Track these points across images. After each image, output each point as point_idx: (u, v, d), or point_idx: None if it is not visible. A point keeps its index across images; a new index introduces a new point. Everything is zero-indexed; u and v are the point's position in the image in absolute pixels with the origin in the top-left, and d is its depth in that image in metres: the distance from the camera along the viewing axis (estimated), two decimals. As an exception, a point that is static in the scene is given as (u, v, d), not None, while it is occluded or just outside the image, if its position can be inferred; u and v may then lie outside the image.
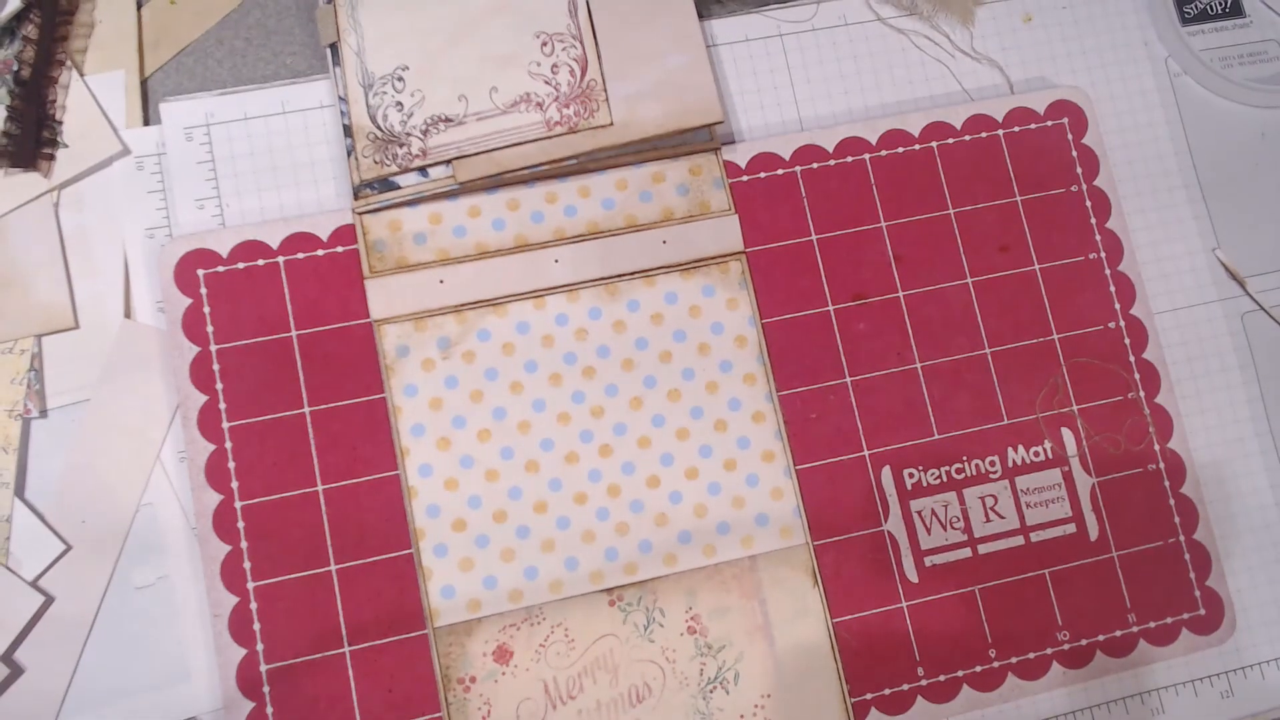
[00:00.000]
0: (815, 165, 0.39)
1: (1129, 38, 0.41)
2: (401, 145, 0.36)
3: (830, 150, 0.39)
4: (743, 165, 0.38)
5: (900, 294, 0.38)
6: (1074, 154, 0.40)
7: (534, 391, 0.36)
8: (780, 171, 0.39)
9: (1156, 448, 0.38)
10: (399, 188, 0.36)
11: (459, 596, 0.35)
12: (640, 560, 0.35)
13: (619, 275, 0.37)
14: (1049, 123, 0.40)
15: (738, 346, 0.37)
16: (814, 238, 0.38)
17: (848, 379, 0.37)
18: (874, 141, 0.39)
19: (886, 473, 0.37)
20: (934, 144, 0.39)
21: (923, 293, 0.38)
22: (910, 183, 0.39)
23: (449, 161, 0.36)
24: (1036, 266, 0.39)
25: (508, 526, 0.35)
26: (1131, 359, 0.39)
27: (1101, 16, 0.41)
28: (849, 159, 0.39)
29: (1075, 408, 0.38)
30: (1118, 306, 0.39)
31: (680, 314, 0.37)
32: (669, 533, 0.36)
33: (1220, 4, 0.42)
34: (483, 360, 0.36)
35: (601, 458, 0.36)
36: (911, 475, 0.37)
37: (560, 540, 0.35)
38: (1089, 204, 0.39)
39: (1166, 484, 0.38)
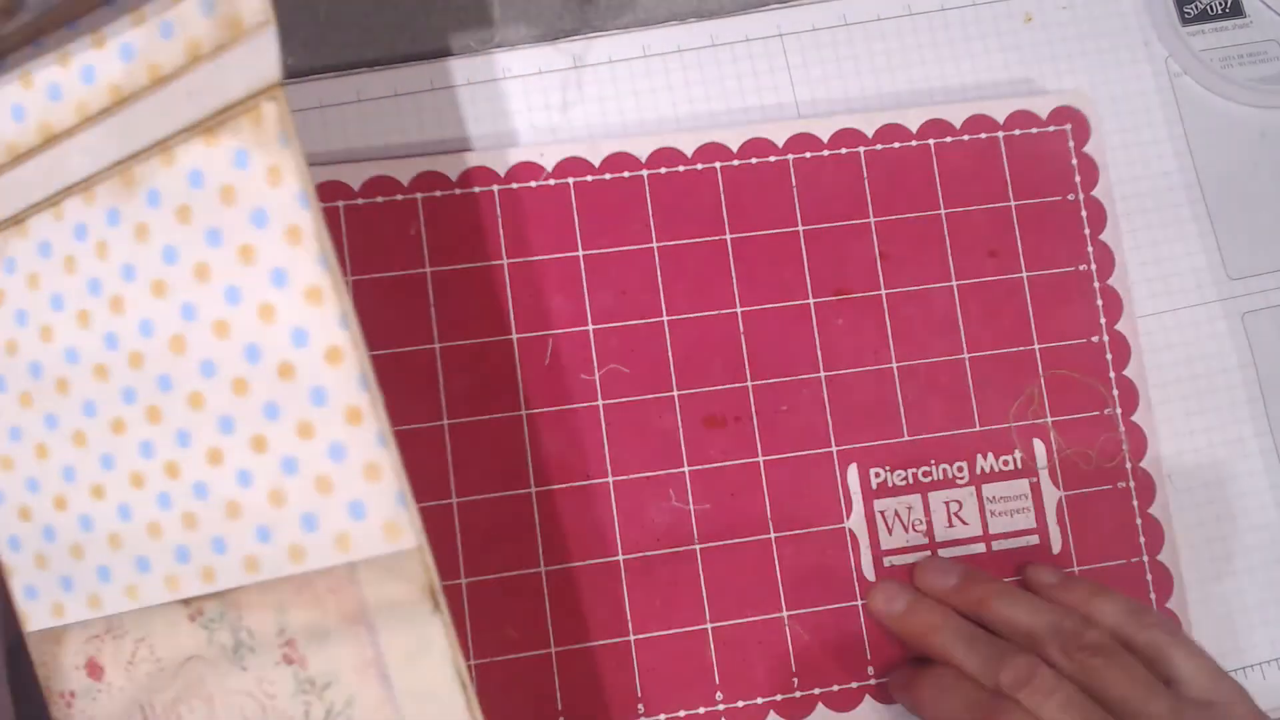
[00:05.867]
0: (809, 155, 0.38)
1: (1129, 38, 0.41)
2: None
3: (825, 141, 0.38)
4: (734, 150, 0.38)
5: (883, 292, 0.38)
6: (1074, 162, 0.39)
7: (64, 338, 0.28)
8: (773, 159, 0.38)
9: (1128, 466, 0.38)
10: None
11: (42, 598, 0.30)
12: (216, 563, 0.28)
13: (135, 154, 0.27)
14: (1051, 128, 0.39)
15: (289, 243, 0.26)
16: (800, 229, 0.38)
17: (822, 374, 0.37)
18: (870, 135, 0.38)
19: (853, 470, 0.37)
20: (931, 141, 0.39)
21: (905, 292, 0.38)
22: (904, 180, 0.38)
23: None
24: (1024, 274, 0.38)
25: (70, 515, 0.29)
26: (1111, 375, 0.38)
27: (1102, 17, 0.40)
28: (843, 150, 0.38)
29: (1049, 419, 0.38)
30: (1103, 321, 0.38)
31: (210, 202, 0.26)
32: (244, 526, 0.27)
33: (1220, 4, 0.41)
34: (13, 299, 0.28)
35: (151, 424, 0.27)
36: (878, 475, 0.37)
37: (126, 533, 0.28)
38: (1084, 214, 0.39)
39: (1135, 503, 0.37)
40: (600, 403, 0.37)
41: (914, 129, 0.39)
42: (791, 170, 0.38)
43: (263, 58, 0.25)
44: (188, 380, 0.27)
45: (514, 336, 0.37)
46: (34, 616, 0.30)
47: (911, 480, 0.37)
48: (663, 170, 0.38)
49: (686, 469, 0.37)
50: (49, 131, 0.28)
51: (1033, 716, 0.29)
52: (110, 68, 0.27)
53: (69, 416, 0.28)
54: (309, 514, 0.27)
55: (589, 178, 0.38)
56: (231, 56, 0.25)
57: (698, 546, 0.36)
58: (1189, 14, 0.41)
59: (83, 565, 0.29)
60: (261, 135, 0.25)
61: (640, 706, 0.35)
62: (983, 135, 0.39)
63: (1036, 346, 0.38)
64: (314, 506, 0.26)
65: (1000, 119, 0.39)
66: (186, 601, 0.28)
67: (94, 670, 0.29)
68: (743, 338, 0.37)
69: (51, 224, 0.28)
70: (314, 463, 0.26)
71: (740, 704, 0.36)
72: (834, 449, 0.37)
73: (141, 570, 0.28)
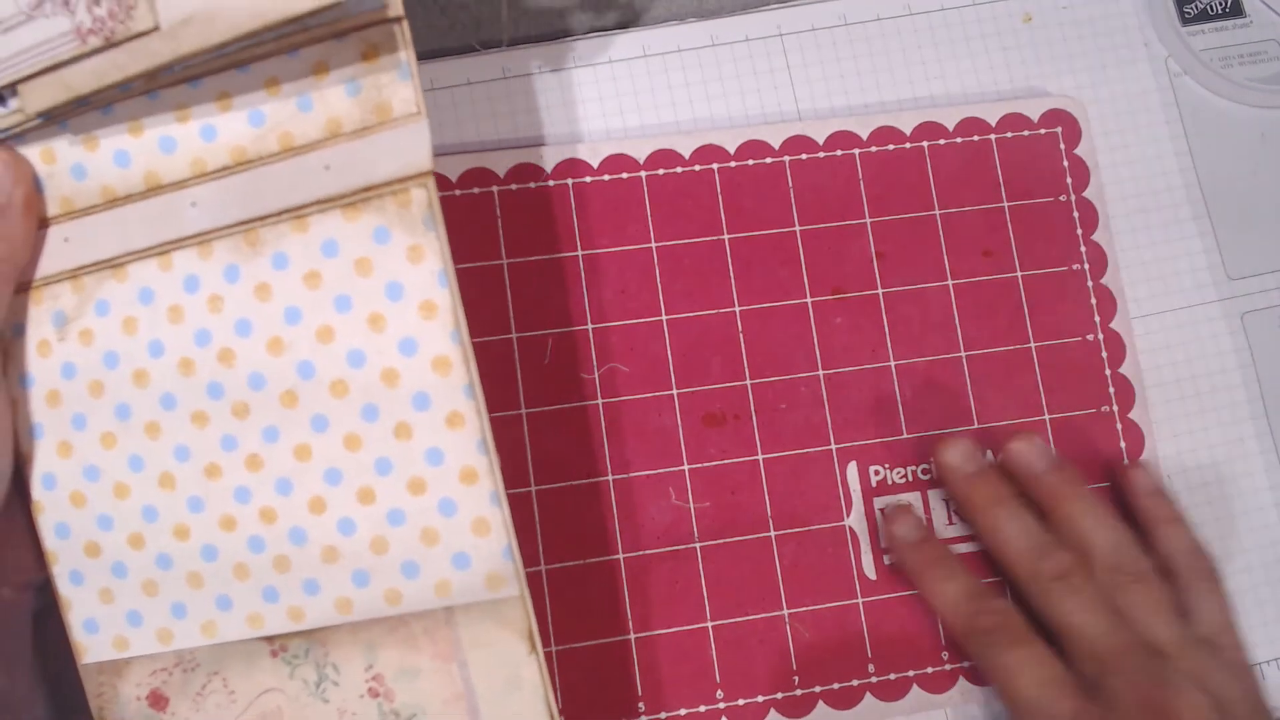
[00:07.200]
0: (804, 156, 0.39)
1: (1129, 38, 0.41)
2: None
3: (820, 143, 0.39)
4: (731, 151, 0.38)
5: (879, 291, 0.38)
6: (1065, 164, 0.39)
7: (161, 382, 0.28)
8: (769, 160, 0.38)
9: (1126, 463, 0.38)
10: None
11: (103, 632, 0.29)
12: (306, 604, 0.28)
13: (262, 218, 0.27)
14: (1042, 131, 0.40)
15: (423, 316, 0.27)
16: (797, 229, 0.38)
17: (820, 372, 0.37)
18: (865, 137, 0.39)
19: (852, 468, 0.37)
20: (925, 144, 0.39)
21: (902, 291, 0.38)
22: (898, 181, 0.39)
23: (14, 85, 0.26)
24: (1019, 274, 0.39)
25: (146, 553, 0.28)
26: (1107, 373, 0.38)
27: (1101, 17, 0.41)
28: (839, 152, 0.39)
29: (1047, 417, 0.38)
30: (1097, 319, 0.39)
31: (343, 271, 0.27)
32: (340, 570, 0.27)
33: (1220, 4, 0.42)
34: (102, 340, 0.28)
35: (249, 471, 0.27)
36: (877, 473, 0.37)
37: (208, 573, 0.28)
38: (1076, 215, 0.39)
39: (1132, 500, 0.38)
40: (600, 401, 0.37)
41: (907, 131, 0.39)
42: (788, 171, 0.38)
43: (414, 146, 0.26)
44: (296, 432, 0.27)
45: (514, 335, 0.37)
46: (92, 649, 0.29)
47: (911, 478, 0.37)
48: (660, 172, 0.38)
49: (686, 467, 0.37)
50: (156, 181, 0.27)
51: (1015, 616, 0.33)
52: (235, 130, 0.27)
53: (157, 459, 0.28)
54: (411, 562, 0.27)
55: (588, 179, 0.38)
56: (379, 140, 0.26)
57: (698, 545, 0.36)
58: (1189, 14, 0.42)
59: (155, 601, 0.28)
60: (406, 217, 0.26)
61: (641, 705, 0.35)
62: (975, 138, 0.39)
63: (1032, 345, 0.38)
64: (417, 556, 0.27)
65: (992, 122, 0.39)
66: (269, 638, 0.28)
67: (157, 701, 0.29)
68: (741, 336, 0.37)
69: (156, 273, 0.28)
70: (422, 516, 0.27)
71: (741, 702, 0.35)
72: (833, 446, 0.37)
73: (221, 608, 0.28)
